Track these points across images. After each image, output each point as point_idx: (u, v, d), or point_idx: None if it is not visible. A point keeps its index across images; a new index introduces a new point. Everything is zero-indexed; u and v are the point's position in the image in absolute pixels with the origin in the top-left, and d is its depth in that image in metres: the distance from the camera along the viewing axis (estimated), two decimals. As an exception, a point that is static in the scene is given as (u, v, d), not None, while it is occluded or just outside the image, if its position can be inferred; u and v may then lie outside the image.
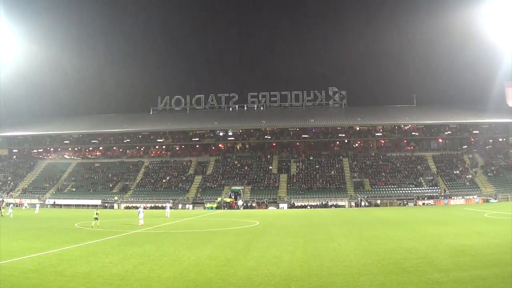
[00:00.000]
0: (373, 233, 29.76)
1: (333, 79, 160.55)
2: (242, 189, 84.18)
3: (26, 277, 15.83)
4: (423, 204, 75.68)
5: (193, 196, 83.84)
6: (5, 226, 36.86)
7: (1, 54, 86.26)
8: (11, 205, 58.35)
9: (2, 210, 55.41)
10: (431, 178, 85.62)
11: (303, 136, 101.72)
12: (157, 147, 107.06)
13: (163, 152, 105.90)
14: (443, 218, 43.48)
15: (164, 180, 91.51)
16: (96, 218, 37.79)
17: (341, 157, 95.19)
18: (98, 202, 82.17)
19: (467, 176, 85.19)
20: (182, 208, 77.08)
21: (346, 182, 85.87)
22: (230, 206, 76.49)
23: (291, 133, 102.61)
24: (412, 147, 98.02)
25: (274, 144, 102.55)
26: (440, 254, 20.06)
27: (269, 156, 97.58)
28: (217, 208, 75.46)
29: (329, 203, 77.28)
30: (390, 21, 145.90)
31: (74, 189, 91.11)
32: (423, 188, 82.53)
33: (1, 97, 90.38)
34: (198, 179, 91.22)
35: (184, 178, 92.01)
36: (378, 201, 77.35)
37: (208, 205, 77.13)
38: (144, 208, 74.53)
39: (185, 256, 20.75)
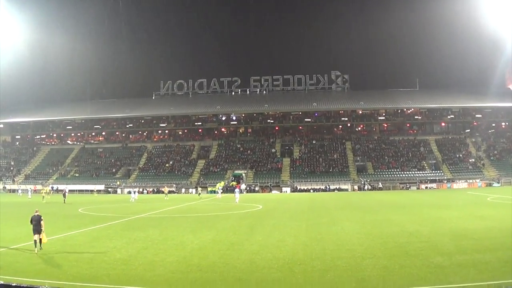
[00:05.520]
0: (376, 217, 29.82)
1: (336, 63, 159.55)
2: (245, 173, 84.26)
3: (30, 263, 15.92)
4: (426, 187, 75.74)
5: (196, 180, 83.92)
6: (8, 213, 37.00)
7: (3, 40, 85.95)
8: (135, 191, 59.10)
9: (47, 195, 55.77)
10: (434, 162, 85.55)
11: (306, 120, 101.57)
12: (160, 131, 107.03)
13: (166, 136, 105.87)
14: (445, 202, 43.51)
15: (167, 165, 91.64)
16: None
17: (344, 140, 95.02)
18: (101, 187, 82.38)
19: (470, 160, 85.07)
20: (185, 192, 77.29)
21: (349, 165, 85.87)
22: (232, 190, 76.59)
23: (293, 117, 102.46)
24: (415, 131, 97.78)
25: (277, 128, 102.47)
26: (443, 237, 20.11)
27: (272, 140, 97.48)
28: (215, 192, 74.75)
29: (332, 187, 77.34)
30: (393, 5, 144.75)
31: (77, 175, 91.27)
32: (425, 171, 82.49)
33: (3, 84, 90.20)
34: (201, 163, 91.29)
35: (187, 162, 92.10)
36: (380, 184, 77.43)
37: (211, 188, 77.22)
38: (147, 192, 75.31)
39: (188, 240, 20.83)
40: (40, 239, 18.16)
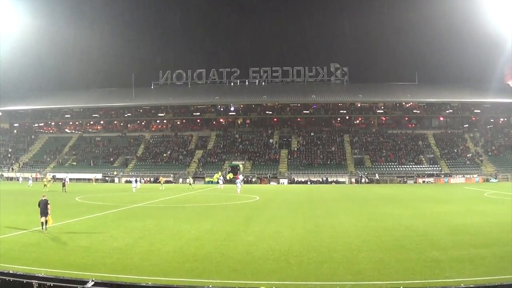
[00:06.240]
0: (372, 210, 29.88)
1: (335, 55, 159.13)
2: (242, 164, 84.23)
3: (27, 251, 15.92)
4: (423, 182, 75.83)
5: (193, 171, 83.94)
6: (6, 200, 36.98)
7: (2, 27, 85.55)
8: (136, 180, 58.98)
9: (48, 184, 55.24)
10: (432, 156, 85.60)
11: (304, 112, 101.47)
12: (158, 121, 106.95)
13: (164, 126, 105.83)
14: (443, 196, 43.60)
15: (165, 154, 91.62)
16: None
17: (342, 133, 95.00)
18: (99, 176, 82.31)
19: (468, 155, 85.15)
20: (182, 182, 77.22)
21: (346, 158, 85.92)
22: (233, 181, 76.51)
23: (292, 109, 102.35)
24: (413, 125, 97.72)
25: (275, 119, 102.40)
26: (439, 232, 20.16)
27: (270, 132, 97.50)
28: (212, 182, 74.87)
29: (330, 179, 77.46)
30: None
31: (75, 163, 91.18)
32: (423, 166, 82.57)
33: (2, 71, 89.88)
34: (199, 153, 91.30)
35: (185, 152, 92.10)
36: (377, 176, 77.52)
37: (209, 179, 77.27)
38: (145, 182, 74.96)
39: (185, 230, 20.88)
40: (46, 221, 20.12)
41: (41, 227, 20.05)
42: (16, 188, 57.23)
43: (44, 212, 20.13)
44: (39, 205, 20.45)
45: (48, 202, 20.48)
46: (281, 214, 27.70)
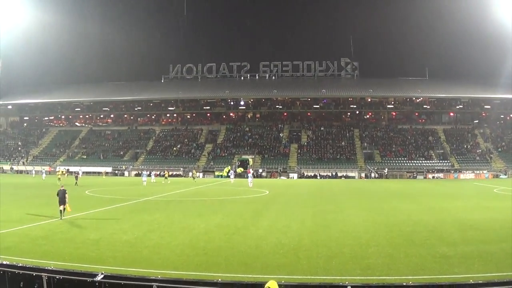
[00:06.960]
0: (382, 205, 29.81)
1: (346, 50, 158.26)
2: (252, 158, 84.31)
3: (36, 244, 16.00)
4: (433, 177, 75.53)
5: (203, 164, 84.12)
6: (15, 194, 37.21)
7: (12, 20, 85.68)
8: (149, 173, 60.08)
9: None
10: (442, 151, 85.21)
11: (314, 106, 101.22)
12: (168, 115, 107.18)
13: (174, 120, 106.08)
14: (452, 192, 43.45)
15: (175, 148, 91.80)
16: None
17: (352, 128, 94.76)
18: (109, 169, 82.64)
19: (478, 151, 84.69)
20: (192, 176, 77.33)
21: (356, 153, 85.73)
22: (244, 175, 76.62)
23: (302, 103, 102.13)
24: (423, 120, 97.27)
25: (285, 113, 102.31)
26: (449, 227, 20.08)
27: (280, 126, 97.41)
28: (222, 176, 75.25)
29: (339, 174, 77.33)
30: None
31: (84, 157, 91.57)
32: (433, 161, 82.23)
33: (12, 64, 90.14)
34: (208, 147, 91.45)
35: (195, 146, 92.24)
36: (386, 170, 77.36)
37: (218, 173, 77.40)
38: (155, 175, 74.98)
39: (195, 224, 20.93)
40: (64, 209, 22.08)
41: (59, 215, 21.81)
42: (29, 182, 57.46)
43: (62, 200, 22.07)
44: (58, 194, 22.37)
45: (66, 191, 22.46)
46: (290, 209, 27.72)
